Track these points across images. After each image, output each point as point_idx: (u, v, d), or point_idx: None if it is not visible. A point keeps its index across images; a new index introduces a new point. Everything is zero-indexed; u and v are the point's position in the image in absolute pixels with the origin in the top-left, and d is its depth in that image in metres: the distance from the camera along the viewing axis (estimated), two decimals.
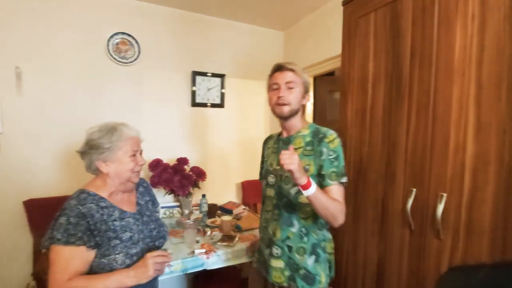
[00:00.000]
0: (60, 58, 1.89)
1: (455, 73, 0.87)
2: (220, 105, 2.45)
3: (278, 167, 1.09)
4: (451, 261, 0.88)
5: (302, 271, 1.02)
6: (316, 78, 2.42)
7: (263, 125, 2.72)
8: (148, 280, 0.90)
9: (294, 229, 1.05)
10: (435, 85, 0.93)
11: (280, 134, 1.19)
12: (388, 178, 1.10)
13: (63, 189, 1.95)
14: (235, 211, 2.10)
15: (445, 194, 0.90)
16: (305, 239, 1.04)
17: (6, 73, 1.76)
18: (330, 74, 2.35)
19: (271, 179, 1.13)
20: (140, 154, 1.03)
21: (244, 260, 1.57)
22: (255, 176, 2.58)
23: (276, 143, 1.18)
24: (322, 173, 0.99)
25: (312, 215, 1.04)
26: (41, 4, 1.82)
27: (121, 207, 0.98)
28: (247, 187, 2.56)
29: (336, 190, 0.97)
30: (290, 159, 0.85)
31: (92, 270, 0.89)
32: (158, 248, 1.04)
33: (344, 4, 1.27)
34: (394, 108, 1.07)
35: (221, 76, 2.41)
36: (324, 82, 2.42)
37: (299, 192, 1.00)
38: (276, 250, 1.07)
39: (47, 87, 1.87)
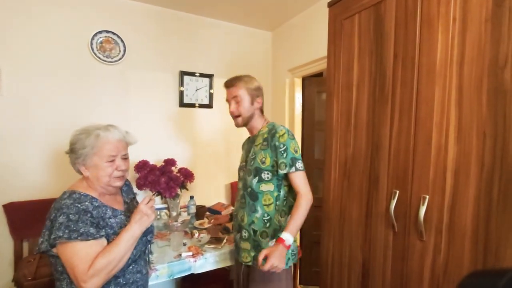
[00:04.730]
0: (42, 57, 1.83)
1: (437, 75, 0.88)
2: (209, 106, 2.42)
3: (244, 163, 1.31)
4: (434, 263, 0.89)
5: None
6: (304, 79, 2.41)
7: None
8: (151, 223, 0.97)
9: (257, 215, 1.22)
10: (418, 87, 0.93)
11: None
12: (372, 179, 1.10)
13: (46, 192, 1.90)
14: (224, 213, 2.08)
15: (427, 196, 0.90)
16: (268, 224, 1.21)
17: None
18: (319, 74, 2.35)
19: (240, 173, 1.34)
20: (125, 158, 1.01)
21: (232, 262, 1.56)
22: None
23: (246, 143, 1.39)
24: (279, 163, 1.16)
25: (274, 202, 1.21)
26: (21, 2, 1.76)
27: (112, 206, 0.99)
28: (236, 188, 2.55)
29: (294, 177, 1.16)
30: (281, 264, 1.03)
31: None
32: (149, 241, 1.08)
33: (329, 5, 1.26)
34: (377, 110, 1.07)
35: (210, 76, 2.38)
36: (313, 83, 2.42)
37: (259, 182, 1.21)
38: (244, 233, 1.25)
39: (29, 87, 1.81)
